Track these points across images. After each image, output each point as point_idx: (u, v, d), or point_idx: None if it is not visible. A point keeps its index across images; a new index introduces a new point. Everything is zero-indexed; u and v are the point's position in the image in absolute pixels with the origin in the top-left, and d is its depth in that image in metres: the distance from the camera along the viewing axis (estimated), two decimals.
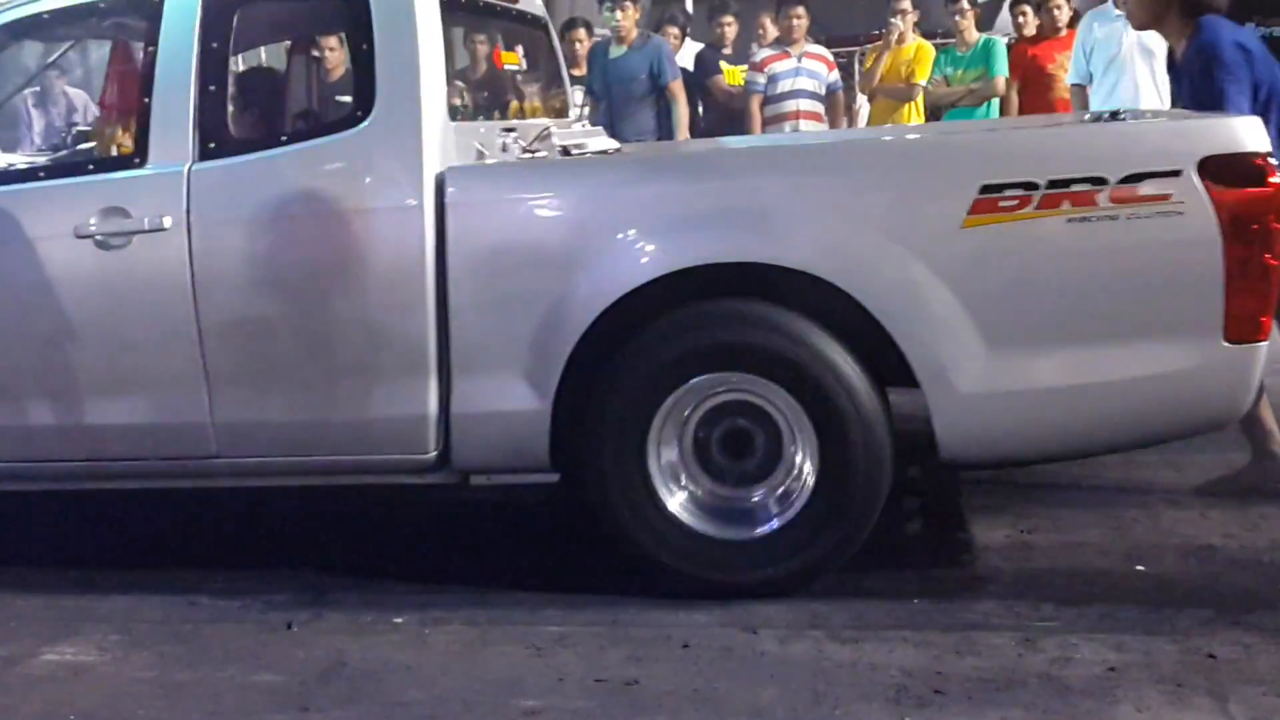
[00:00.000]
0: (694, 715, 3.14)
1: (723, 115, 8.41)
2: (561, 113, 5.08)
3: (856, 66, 10.60)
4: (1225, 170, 3.61)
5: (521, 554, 4.31)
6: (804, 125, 8.07)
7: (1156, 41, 7.23)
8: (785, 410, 3.80)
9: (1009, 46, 8.59)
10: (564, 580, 4.01)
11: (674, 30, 8.75)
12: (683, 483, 3.88)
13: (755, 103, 8.10)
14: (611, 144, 4.63)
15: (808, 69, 8.20)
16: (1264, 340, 3.70)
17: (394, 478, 4.09)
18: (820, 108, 8.23)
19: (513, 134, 4.25)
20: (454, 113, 4.05)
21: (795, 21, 8.20)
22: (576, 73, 7.64)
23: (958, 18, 8.49)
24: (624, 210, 3.84)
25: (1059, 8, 8.33)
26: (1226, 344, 3.65)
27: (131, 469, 4.10)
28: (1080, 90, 7.73)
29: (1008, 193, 3.65)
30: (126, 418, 4.05)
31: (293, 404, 3.99)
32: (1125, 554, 4.05)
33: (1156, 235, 3.63)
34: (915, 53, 8.45)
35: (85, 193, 4.03)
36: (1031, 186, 3.64)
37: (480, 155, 4.14)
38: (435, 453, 3.96)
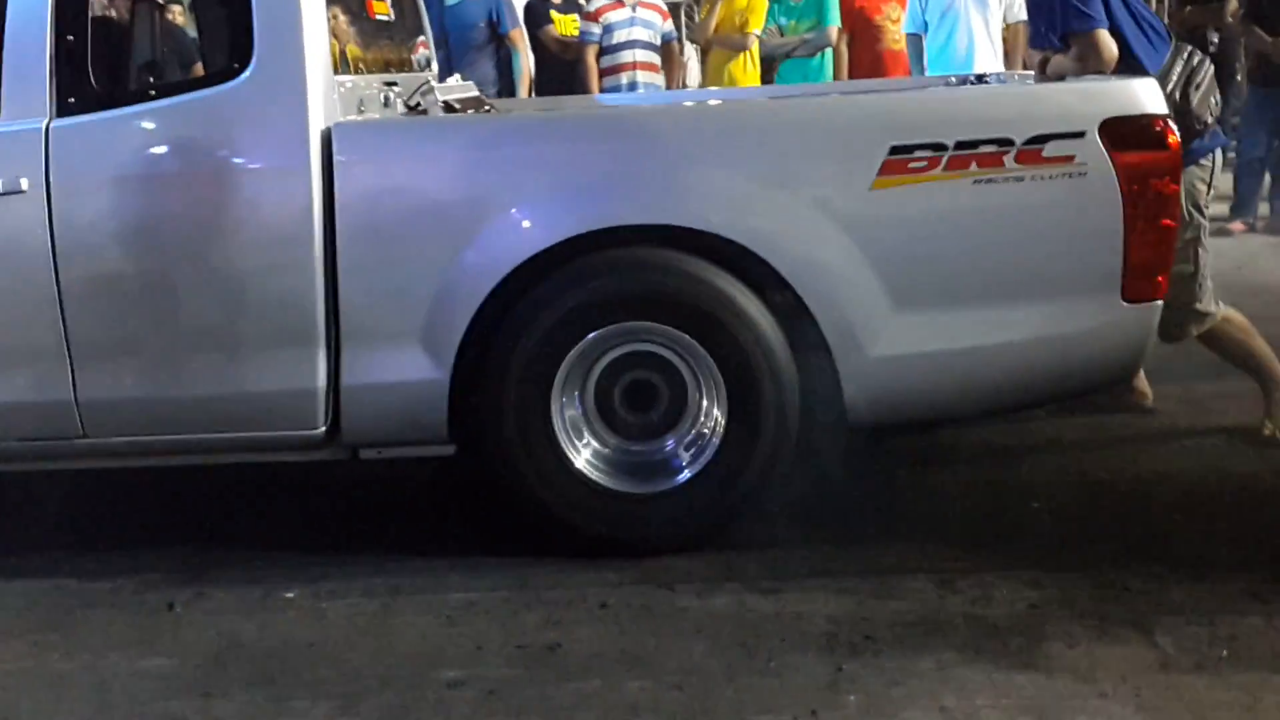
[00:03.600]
0: (627, 677, 3.19)
1: (556, 66, 8.42)
2: (425, 67, 5.01)
3: (684, 19, 10.73)
4: (1126, 132, 3.82)
5: (414, 522, 4.28)
6: (640, 76, 8.16)
7: None
8: (690, 358, 3.88)
9: None
10: (465, 546, 4.00)
11: None
12: (588, 439, 3.93)
13: (591, 53, 8.14)
14: (488, 102, 4.61)
15: (642, 19, 8.28)
16: (1160, 299, 3.93)
17: (278, 455, 4.01)
18: (656, 59, 8.33)
19: (395, 88, 4.19)
20: (335, 65, 3.96)
21: None
22: None
23: None
24: (526, 170, 3.83)
25: None
26: (1125, 303, 3.87)
27: None
28: (916, 39, 8.01)
29: (917, 154, 3.78)
30: None
31: (166, 379, 3.87)
32: (1019, 491, 4.27)
33: (1060, 196, 3.81)
34: (748, 3, 8.60)
35: None
36: (940, 148, 3.78)
37: (361, 111, 4.07)
38: (324, 428, 3.90)
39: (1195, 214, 4.51)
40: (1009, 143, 3.78)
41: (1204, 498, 4.17)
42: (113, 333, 3.86)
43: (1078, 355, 3.93)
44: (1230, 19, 9.26)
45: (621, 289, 3.84)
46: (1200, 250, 4.55)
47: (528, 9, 8.65)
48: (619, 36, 8.21)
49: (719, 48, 8.70)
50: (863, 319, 3.82)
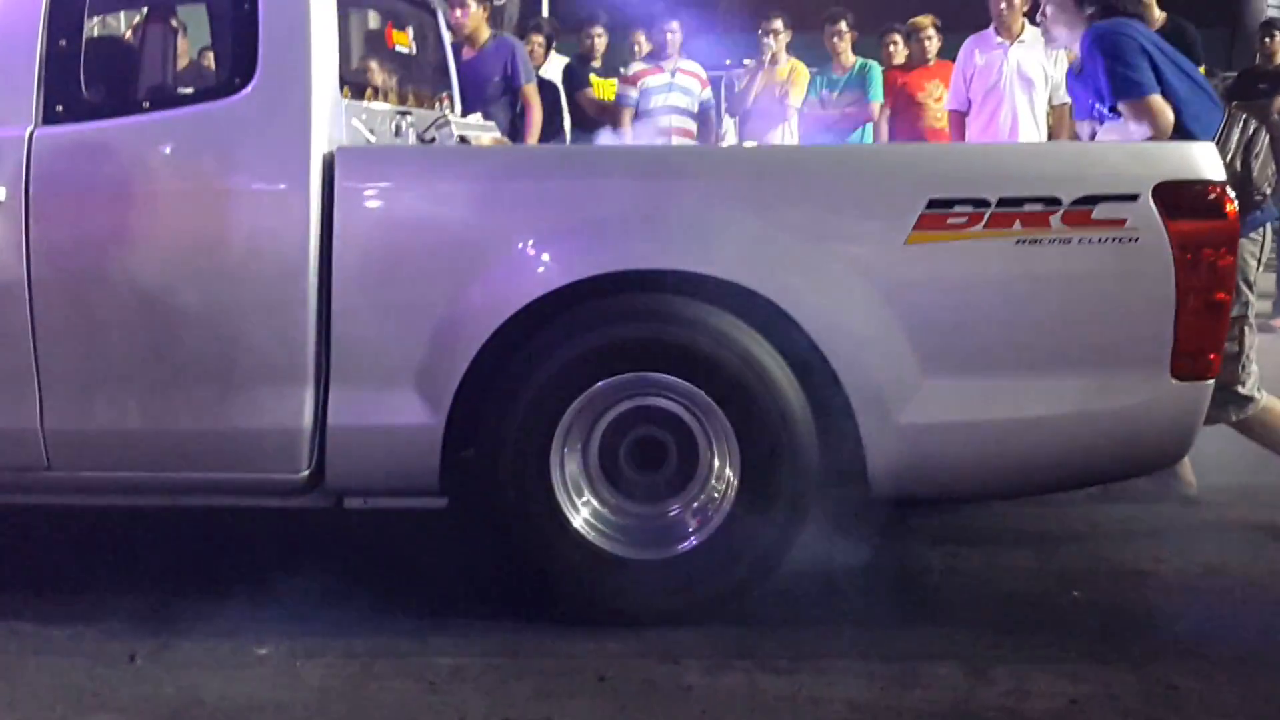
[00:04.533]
0: None
1: (592, 130, 8.32)
2: (447, 105, 4.85)
3: (723, 90, 10.64)
4: (1182, 198, 3.60)
5: (403, 578, 4.03)
6: (676, 143, 8.04)
7: (1036, 71, 7.43)
8: (702, 414, 3.66)
9: None
10: (454, 606, 3.78)
11: (539, 39, 8.67)
12: (588, 498, 3.71)
13: (627, 116, 8.06)
14: (504, 140, 4.43)
15: (681, 85, 8.22)
16: (1212, 378, 3.69)
17: (257, 500, 3.79)
18: (693, 126, 8.24)
19: (409, 118, 4.02)
20: (343, 87, 3.79)
21: (669, 36, 8.20)
22: None
23: (835, 40, 8.58)
24: (538, 207, 3.64)
25: (929, 38, 8.52)
26: (1174, 381, 3.63)
27: None
28: (959, 117, 7.85)
29: (956, 209, 3.57)
30: None
31: (140, 411, 3.66)
32: (1058, 579, 4.03)
33: (1109, 263, 3.59)
34: (790, 74, 8.50)
35: None
36: (982, 204, 3.57)
37: (371, 138, 3.90)
38: (307, 472, 3.68)
39: (1245, 289, 4.31)
40: (1056, 202, 3.57)
41: (1256, 593, 3.92)
42: (85, 358, 3.66)
43: (1120, 434, 3.68)
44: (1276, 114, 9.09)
45: (632, 337, 3.62)
46: (1247, 329, 4.35)
47: (567, 71, 8.59)
48: (656, 102, 8.15)
49: (757, 119, 8.58)
50: (890, 383, 3.59)
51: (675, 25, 8.25)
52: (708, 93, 8.54)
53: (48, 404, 3.66)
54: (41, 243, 3.61)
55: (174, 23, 4.06)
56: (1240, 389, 4.35)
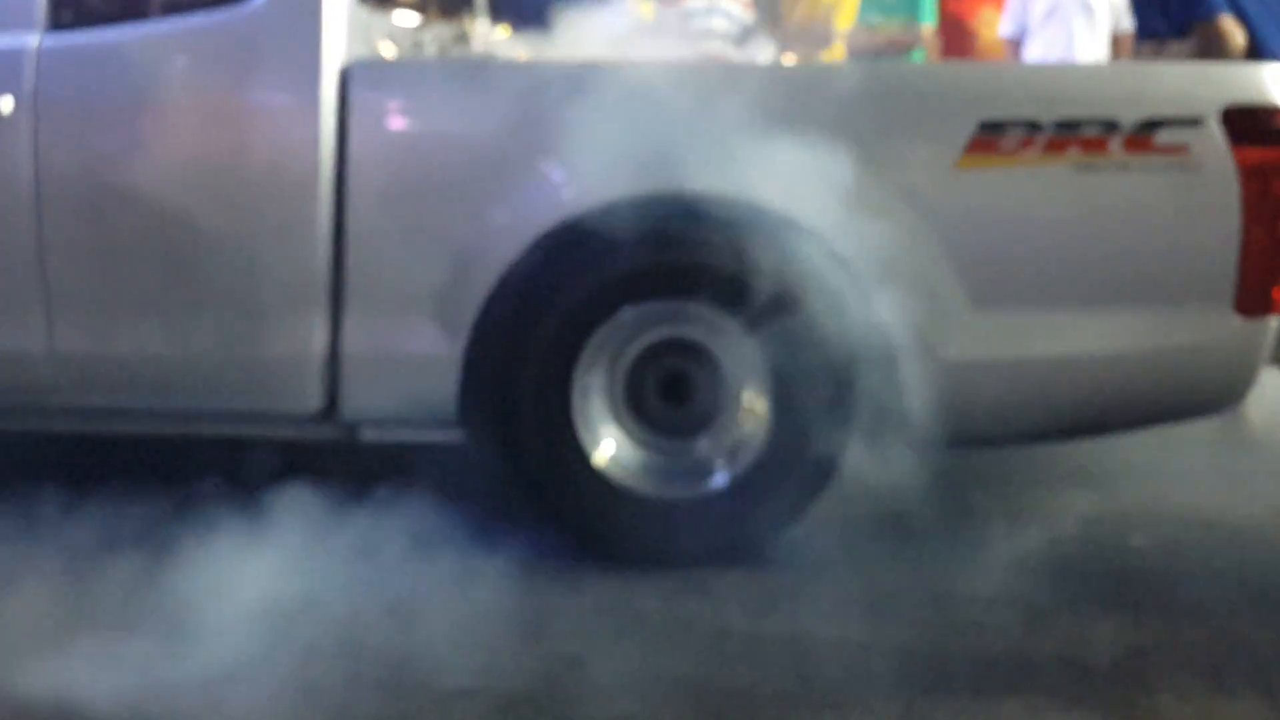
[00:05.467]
0: (661, 702, 2.83)
1: None
2: (474, 16, 4.69)
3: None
4: (1250, 124, 3.43)
5: (427, 521, 3.80)
6: None
7: None
8: (735, 345, 3.54)
9: None
10: (487, 545, 3.61)
11: None
12: (613, 433, 3.59)
13: None
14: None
15: (722, 8, 8.03)
16: (1276, 314, 3.53)
17: (269, 430, 3.68)
18: (735, 51, 8.04)
19: (430, 32, 3.87)
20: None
21: None
22: None
23: None
24: (566, 125, 3.47)
25: None
26: (1237, 317, 3.48)
27: None
28: (1014, 46, 7.63)
29: (1009, 132, 3.41)
30: None
31: (151, 335, 3.56)
32: (1116, 523, 3.88)
33: (1171, 191, 3.43)
34: None
35: None
36: (1036, 127, 3.40)
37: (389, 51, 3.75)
38: (319, 401, 3.57)
39: None
40: (1115, 126, 3.40)
41: None
42: (95, 279, 3.55)
43: (1181, 373, 3.53)
44: None
45: (661, 261, 3.48)
46: None
47: None
48: (697, 26, 7.97)
49: (799, 45, 8.37)
50: (935, 317, 3.45)
51: None
52: (751, 17, 8.37)
53: (57, 326, 3.56)
54: (49, 157, 3.49)
55: None
56: None
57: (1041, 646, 3.10)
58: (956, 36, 8.36)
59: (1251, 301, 3.48)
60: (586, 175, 3.44)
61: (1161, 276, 3.48)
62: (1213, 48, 3.94)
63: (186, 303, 3.55)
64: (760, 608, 3.29)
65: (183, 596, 3.14)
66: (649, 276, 3.50)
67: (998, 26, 8.01)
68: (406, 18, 3.96)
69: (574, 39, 4.07)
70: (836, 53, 8.28)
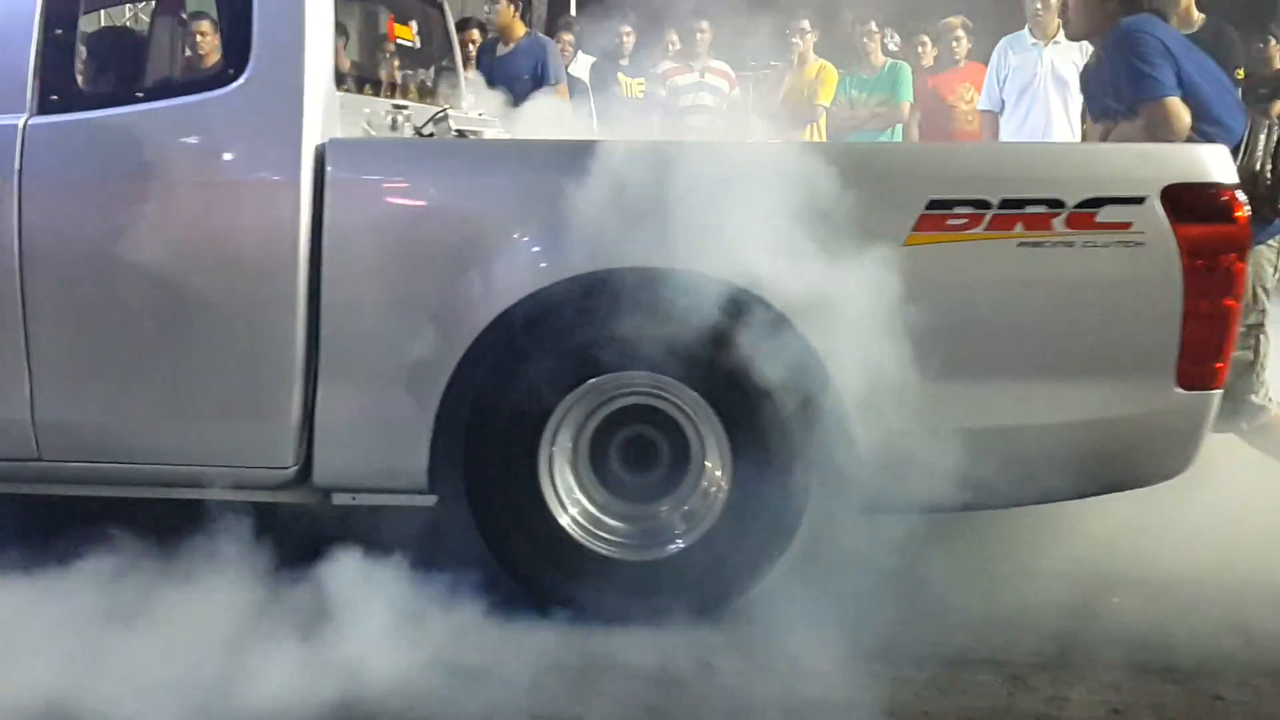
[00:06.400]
0: None
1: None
2: (453, 100, 4.91)
3: (751, 90, 10.72)
4: (1191, 202, 3.61)
5: (426, 581, 3.84)
6: None
7: (1070, 72, 7.42)
8: (695, 414, 3.71)
9: None
10: (480, 606, 3.69)
11: (568, 37, 8.79)
12: (578, 497, 3.77)
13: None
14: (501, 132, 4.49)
15: (710, 84, 8.28)
16: (1219, 388, 3.69)
17: (247, 494, 3.84)
18: (721, 125, 8.29)
19: (405, 112, 4.08)
20: (340, 80, 3.85)
21: (699, 35, 8.29)
22: (470, 74, 7.59)
23: (865, 40, 8.62)
24: (529, 203, 3.68)
25: (958, 39, 8.55)
26: (1180, 390, 3.64)
27: None
28: (992, 117, 7.85)
29: (957, 210, 3.60)
30: None
31: (132, 403, 3.73)
32: (1093, 582, 4.00)
33: (1114, 267, 3.60)
34: (818, 74, 8.54)
35: None
36: (983, 205, 3.59)
37: (367, 132, 3.96)
38: (295, 466, 3.74)
39: (1262, 297, 4.30)
40: (1060, 204, 3.58)
41: None
42: (76, 348, 3.74)
43: (1123, 443, 3.69)
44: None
45: (622, 335, 3.66)
46: (1263, 337, 4.33)
47: (595, 69, 8.68)
48: (685, 101, 8.22)
49: (787, 119, 8.62)
50: (886, 387, 3.60)
51: (705, 24, 8.34)
52: (736, 92, 8.62)
53: (38, 395, 3.73)
54: (34, 232, 3.68)
55: (184, 15, 4.11)
56: (1254, 398, 4.35)
57: (1024, 706, 3.23)
58: (934, 111, 8.61)
59: (1193, 375, 3.64)
60: (552, 250, 3.62)
61: (1104, 350, 3.64)
62: (1159, 128, 4.12)
63: (168, 371, 3.72)
64: (750, 667, 3.42)
65: None
66: (610, 348, 3.66)
67: (974, 101, 8.28)
68: (384, 100, 4.15)
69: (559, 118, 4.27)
70: (820, 126, 8.54)
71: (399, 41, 4.49)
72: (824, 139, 8.43)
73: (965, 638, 3.60)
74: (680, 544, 3.73)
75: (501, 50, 7.89)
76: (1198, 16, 6.74)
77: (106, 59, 3.90)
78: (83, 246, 3.72)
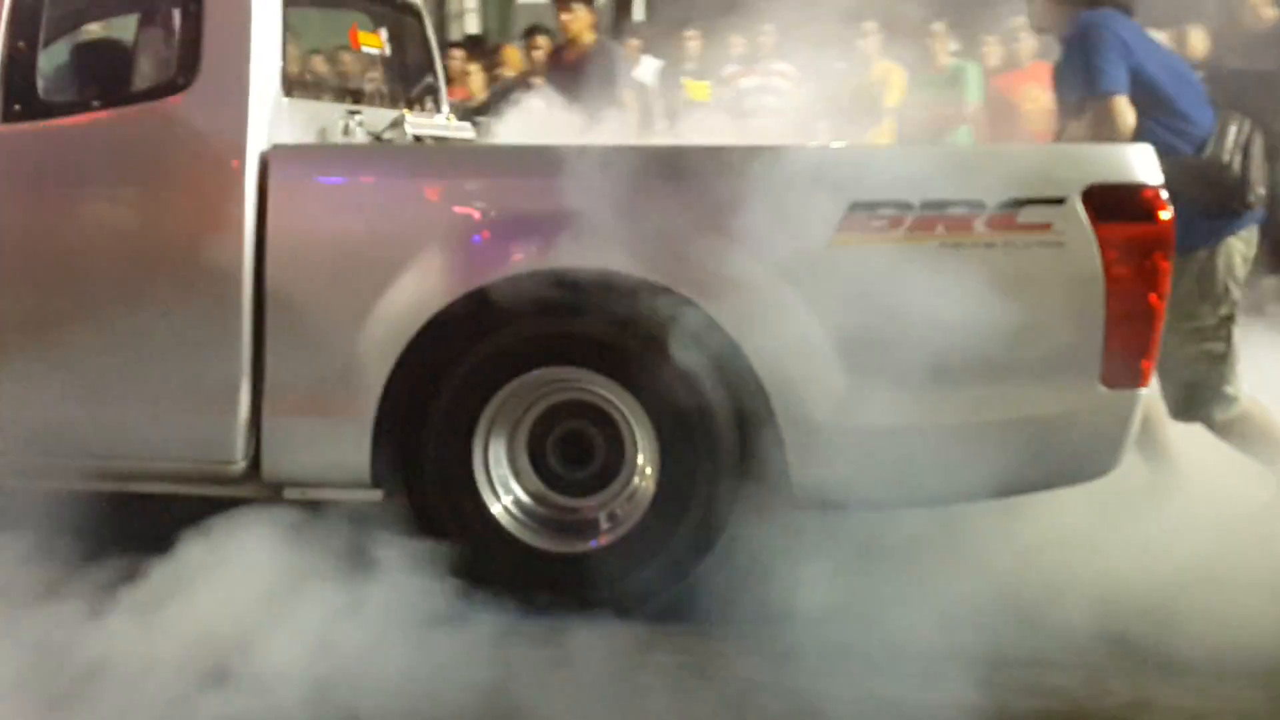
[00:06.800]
0: None
1: None
2: (429, 106, 5.07)
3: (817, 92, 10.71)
4: (1111, 202, 3.62)
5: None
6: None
7: None
8: (628, 412, 3.82)
9: None
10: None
11: (634, 42, 8.89)
12: (513, 488, 3.91)
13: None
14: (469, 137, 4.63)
15: (774, 86, 8.29)
16: (1144, 387, 3.70)
17: (199, 489, 4.02)
18: (787, 127, 8.30)
19: (357, 117, 4.23)
20: (292, 88, 4.02)
21: (763, 38, 8.31)
22: (539, 81, 7.77)
23: (929, 40, 8.57)
24: (458, 204, 3.81)
25: (1021, 41, 8.46)
26: (1104, 389, 3.65)
27: None
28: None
29: (879, 212, 3.65)
30: None
31: (87, 400, 3.93)
32: (1177, 586, 3.77)
33: (1034, 267, 3.63)
34: (884, 75, 8.49)
35: None
36: (905, 207, 3.64)
37: (322, 137, 4.12)
38: (244, 462, 3.91)
39: (1233, 289, 4.26)
40: (980, 206, 3.62)
41: None
42: (30, 345, 3.94)
43: (1047, 443, 3.71)
44: None
45: (548, 332, 3.78)
46: (1233, 329, 4.29)
47: (661, 74, 8.77)
48: (750, 104, 8.24)
49: (852, 121, 8.61)
50: (810, 383, 3.68)
51: (769, 27, 8.34)
52: (801, 94, 8.60)
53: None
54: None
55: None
56: (1227, 389, 4.31)
57: (1103, 709, 3.23)
58: (1001, 112, 8.55)
59: (1117, 374, 3.65)
60: (476, 252, 3.75)
61: (1027, 350, 3.65)
62: (1101, 125, 4.11)
63: (122, 371, 3.92)
64: (821, 667, 3.42)
65: None
66: (541, 345, 3.79)
67: (1040, 102, 8.21)
68: (336, 106, 4.31)
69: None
70: (886, 129, 8.52)
71: (365, 49, 4.63)
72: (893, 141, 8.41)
73: (1044, 639, 3.54)
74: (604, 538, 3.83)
75: (570, 56, 8.00)
76: (1269, 14, 6.57)
77: (67, 69, 4.10)
78: (40, 250, 3.92)
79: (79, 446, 3.96)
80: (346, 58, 4.63)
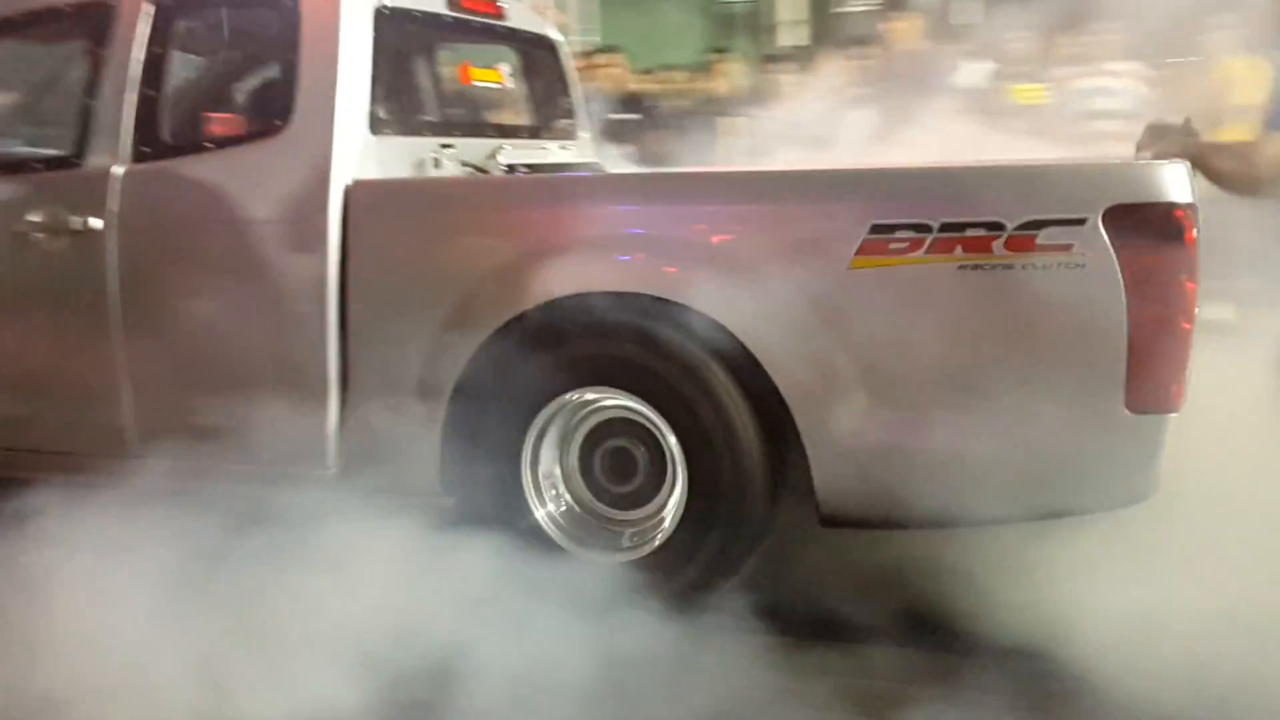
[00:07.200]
0: None
1: None
2: (561, 134, 5.37)
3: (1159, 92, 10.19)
4: (1134, 223, 3.57)
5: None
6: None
7: None
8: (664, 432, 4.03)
9: None
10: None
11: (960, 47, 8.77)
12: (561, 494, 4.20)
13: None
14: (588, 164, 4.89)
15: (1112, 87, 8.07)
16: (1173, 411, 3.62)
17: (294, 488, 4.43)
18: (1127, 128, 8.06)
19: (449, 150, 4.56)
20: (383, 126, 4.38)
21: (1099, 37, 8.10)
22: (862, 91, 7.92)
23: None
24: (511, 234, 4.09)
25: None
26: (1129, 413, 3.60)
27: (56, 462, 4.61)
28: None
29: (899, 234, 3.71)
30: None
31: (207, 410, 4.39)
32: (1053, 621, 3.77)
33: (1055, 289, 3.60)
34: (1233, 71, 7.98)
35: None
36: (924, 229, 3.69)
37: (417, 170, 4.48)
38: (335, 468, 4.29)
39: None
40: (999, 227, 3.63)
41: None
42: (161, 362, 4.46)
43: (1072, 469, 3.68)
44: None
45: (587, 353, 4.02)
46: None
47: (991, 77, 8.60)
48: (1087, 105, 8.03)
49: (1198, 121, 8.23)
50: (834, 404, 3.78)
51: (1106, 25, 8.07)
52: (1141, 93, 8.30)
53: (138, 400, 4.48)
54: (126, 264, 4.43)
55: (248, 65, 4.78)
56: None
57: None
58: None
59: (1142, 397, 3.60)
60: (525, 277, 4.02)
61: (1049, 373, 3.64)
62: None
63: (231, 385, 4.37)
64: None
65: None
66: (574, 366, 4.04)
67: None
68: (429, 140, 4.66)
69: None
70: (1243, 129, 8.04)
71: (479, 84, 4.96)
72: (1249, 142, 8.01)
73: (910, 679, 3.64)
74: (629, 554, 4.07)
75: (895, 64, 7.97)
76: None
77: (188, 112, 4.59)
78: (167, 277, 4.43)
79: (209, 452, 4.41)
80: (448, 93, 4.96)
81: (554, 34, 5.43)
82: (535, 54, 5.32)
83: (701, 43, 12.30)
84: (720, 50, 10.63)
